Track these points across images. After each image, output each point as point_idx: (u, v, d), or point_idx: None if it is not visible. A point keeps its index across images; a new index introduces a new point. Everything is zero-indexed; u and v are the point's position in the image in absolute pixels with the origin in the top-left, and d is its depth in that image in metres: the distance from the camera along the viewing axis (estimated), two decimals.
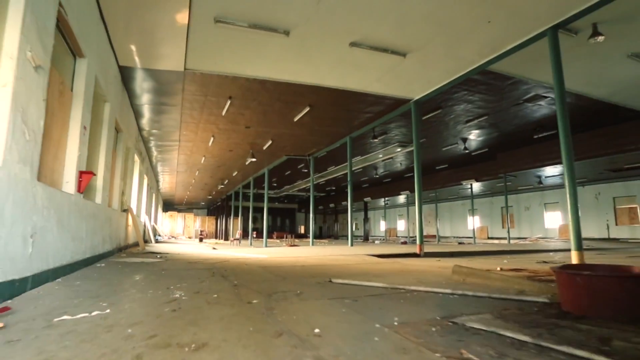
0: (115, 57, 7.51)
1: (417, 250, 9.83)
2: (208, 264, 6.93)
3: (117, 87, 8.19)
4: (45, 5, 3.67)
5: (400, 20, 6.37)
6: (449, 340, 2.17)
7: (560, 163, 17.92)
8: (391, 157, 19.11)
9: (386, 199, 34.83)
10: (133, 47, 7.15)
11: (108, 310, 2.78)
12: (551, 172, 20.30)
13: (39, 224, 3.78)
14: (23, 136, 3.30)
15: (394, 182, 28.50)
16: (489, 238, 30.91)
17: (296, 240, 33.14)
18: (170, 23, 6.26)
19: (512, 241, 23.19)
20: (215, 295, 3.55)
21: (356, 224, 47.99)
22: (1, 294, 2.95)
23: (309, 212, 18.59)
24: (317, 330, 2.34)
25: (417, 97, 10.23)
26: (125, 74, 8.39)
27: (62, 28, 4.54)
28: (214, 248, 14.59)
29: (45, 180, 4.28)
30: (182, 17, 6.07)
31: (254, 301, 3.30)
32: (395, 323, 2.57)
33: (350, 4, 5.91)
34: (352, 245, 14.47)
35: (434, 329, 2.43)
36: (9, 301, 2.99)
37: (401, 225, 42.28)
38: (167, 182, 27.35)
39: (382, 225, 46.59)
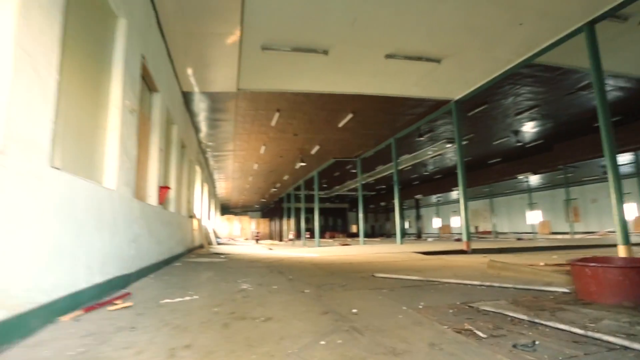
0: (179, 85, 8.73)
1: (464, 247, 10.06)
2: (266, 263, 7.86)
3: (181, 110, 9.45)
4: (134, 61, 4.72)
5: (431, 32, 6.81)
6: (459, 318, 2.74)
7: (625, 152, 16.84)
8: (440, 154, 19.11)
9: (438, 195, 34.31)
10: (193, 76, 8.29)
11: (196, 297, 3.68)
12: (619, 160, 19.00)
13: (137, 231, 4.85)
14: (125, 165, 4.34)
15: (445, 179, 28.12)
16: (551, 233, 29.30)
17: (348, 239, 33.88)
18: (224, 54, 7.25)
19: (577, 236, 21.96)
20: (275, 287, 4.35)
21: (409, 222, 47.54)
22: (119, 285, 3.98)
23: (361, 211, 19.16)
24: (354, 310, 3.02)
25: (457, 97, 10.44)
26: (187, 98, 9.64)
27: (143, 72, 5.64)
28: (270, 249, 15.73)
29: (137, 196, 5.39)
30: (234, 49, 7.03)
31: (306, 291, 4.04)
32: (420, 306, 3.17)
33: (382, 22, 6.48)
34: (401, 243, 14.85)
35: (450, 311, 2.99)
36: (125, 290, 4.02)
37: (456, 221, 41.25)
38: (224, 187, 29.39)
39: (436, 222, 45.72)
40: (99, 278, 3.42)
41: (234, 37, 6.66)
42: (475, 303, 3.24)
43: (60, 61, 2.74)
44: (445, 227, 43.04)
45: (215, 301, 3.46)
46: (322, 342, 2.19)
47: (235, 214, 48.67)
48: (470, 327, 2.45)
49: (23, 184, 2.19)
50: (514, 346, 2.07)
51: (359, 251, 11.10)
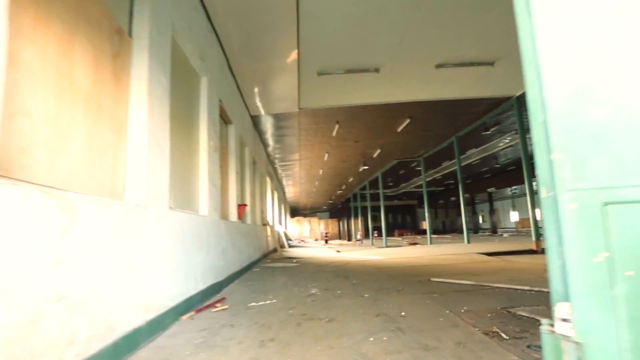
0: (248, 110, 9.91)
1: (533, 247, 9.87)
2: (333, 267, 8.64)
3: (251, 131, 10.66)
4: (214, 106, 5.79)
5: (479, 39, 7.01)
6: (493, 322, 3.21)
7: None
8: (511, 145, 18.36)
9: (513, 187, 32.41)
10: (259, 103, 9.39)
11: (274, 300, 4.56)
12: None
13: (224, 246, 5.92)
14: (213, 194, 5.40)
15: (520, 169, 26.57)
16: None
17: (418, 236, 33.55)
18: (285, 82, 8.19)
19: None
20: (339, 291, 5.09)
21: (482, 216, 45.34)
22: (214, 290, 5.02)
23: (428, 209, 19.15)
24: (403, 313, 3.63)
25: (518, 94, 10.25)
26: (255, 120, 10.83)
27: (220, 112, 6.74)
28: (338, 251, 16.57)
29: (222, 216, 6.50)
30: (293, 77, 7.92)
31: (365, 295, 4.71)
32: (462, 311, 3.67)
33: (428, 38, 6.87)
34: (468, 242, 14.71)
35: (488, 315, 3.46)
36: (218, 295, 5.06)
37: (536, 214, 38.35)
38: (292, 192, 31.03)
39: (513, 216, 42.96)
40: (201, 286, 4.45)
41: (292, 69, 7.54)
42: (514, 308, 3.64)
43: (169, 128, 3.76)
44: (524, 221, 40.25)
45: (290, 304, 4.30)
46: (371, 339, 2.86)
47: (305, 215, 50.63)
48: (498, 330, 2.94)
49: (156, 225, 3.19)
50: (528, 347, 2.54)
51: (424, 252, 11.40)
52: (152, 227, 3.09)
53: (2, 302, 1.52)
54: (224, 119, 7.30)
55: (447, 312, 3.64)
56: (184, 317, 3.68)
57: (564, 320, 0.97)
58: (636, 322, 0.87)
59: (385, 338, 2.87)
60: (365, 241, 29.49)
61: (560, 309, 0.98)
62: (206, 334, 3.15)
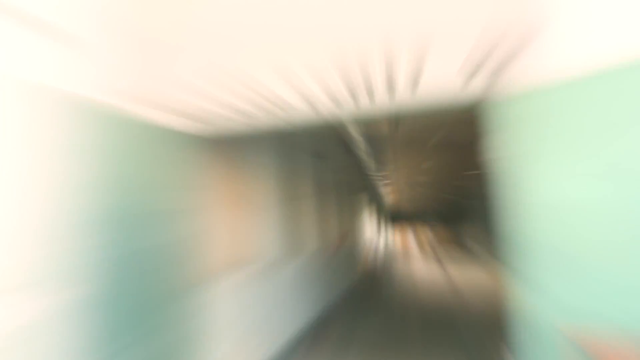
0: (342, 138, 11.34)
1: None
2: (437, 304, 9.41)
3: (343, 155, 12.05)
4: (312, 157, 7.25)
5: None
6: None
7: None
8: None
9: None
10: (351, 128, 10.74)
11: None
12: None
13: (329, 276, 7.33)
14: (316, 232, 6.85)
15: None
16: None
17: None
18: None
19: None
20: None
21: None
22: (322, 317, 6.43)
23: None
24: None
25: None
26: (347, 143, 12.22)
27: (316, 153, 8.20)
28: (446, 271, 16.86)
29: (324, 247, 7.92)
30: None
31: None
32: None
33: None
34: None
35: None
36: (324, 318, 6.43)
37: None
38: (392, 199, 31.73)
39: None
40: (312, 314, 5.89)
41: None
42: None
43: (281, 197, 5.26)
44: None
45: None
46: None
47: (409, 221, 50.28)
48: None
49: (280, 272, 4.68)
50: None
51: None
52: (279, 275, 4.59)
53: (238, 330, 3.05)
54: (320, 157, 8.79)
55: None
56: (305, 341, 5.12)
57: None
58: None
59: None
60: (482, 252, 28.54)
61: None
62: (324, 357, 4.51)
